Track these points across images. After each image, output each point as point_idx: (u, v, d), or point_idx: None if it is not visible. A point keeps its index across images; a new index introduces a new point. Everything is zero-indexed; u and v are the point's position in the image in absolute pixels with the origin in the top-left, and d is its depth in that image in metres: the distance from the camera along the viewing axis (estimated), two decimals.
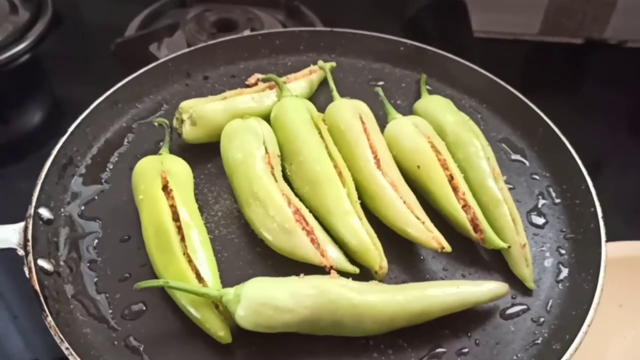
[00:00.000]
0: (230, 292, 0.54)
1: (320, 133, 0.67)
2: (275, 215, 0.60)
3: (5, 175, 0.89)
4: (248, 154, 0.64)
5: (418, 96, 0.80)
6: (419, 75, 0.83)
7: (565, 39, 1.22)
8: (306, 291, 0.53)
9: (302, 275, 0.56)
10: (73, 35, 1.10)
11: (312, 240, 0.59)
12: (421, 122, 0.70)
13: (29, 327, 0.68)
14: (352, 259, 0.59)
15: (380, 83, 0.83)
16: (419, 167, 0.65)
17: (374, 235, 0.60)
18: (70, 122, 0.92)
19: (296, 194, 0.64)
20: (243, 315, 0.53)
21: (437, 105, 0.73)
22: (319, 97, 0.80)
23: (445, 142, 0.68)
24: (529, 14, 1.22)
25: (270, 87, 0.75)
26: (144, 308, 0.58)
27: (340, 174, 0.63)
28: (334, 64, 0.82)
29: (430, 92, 0.79)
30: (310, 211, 0.62)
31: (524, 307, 0.60)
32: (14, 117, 0.97)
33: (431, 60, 0.83)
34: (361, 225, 0.60)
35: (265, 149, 0.65)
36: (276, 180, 0.63)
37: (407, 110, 0.78)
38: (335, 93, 0.74)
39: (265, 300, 0.53)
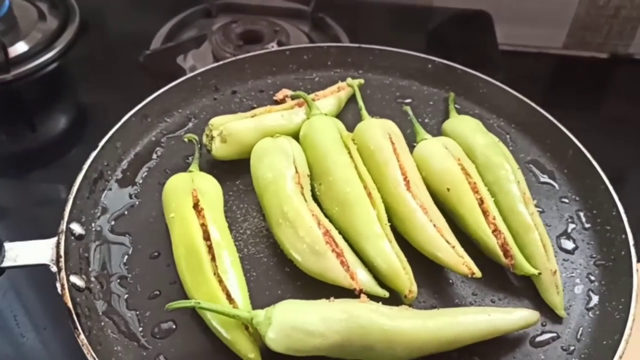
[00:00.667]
0: (260, 315, 0.54)
1: (349, 153, 0.67)
2: (305, 237, 0.60)
3: (31, 179, 0.89)
4: (278, 173, 0.64)
5: (446, 115, 0.80)
6: (447, 94, 0.82)
7: (590, 54, 1.21)
8: (337, 315, 0.53)
9: (332, 298, 0.56)
10: (98, 43, 1.10)
11: (342, 263, 0.59)
12: (451, 143, 0.69)
13: (56, 338, 0.69)
14: (381, 282, 0.59)
15: (408, 100, 0.83)
16: (448, 189, 0.65)
17: (404, 259, 0.60)
18: (93, 131, 0.94)
19: (325, 214, 0.64)
20: (274, 338, 0.53)
21: (466, 126, 0.73)
22: (347, 115, 0.80)
23: (475, 165, 0.68)
24: (554, 27, 1.21)
25: (299, 105, 0.76)
26: (174, 327, 0.59)
27: (370, 195, 0.63)
28: (362, 80, 0.82)
29: (458, 111, 0.79)
30: (340, 232, 0.62)
31: (554, 334, 0.59)
32: (41, 124, 0.98)
33: (460, 78, 0.83)
34: (391, 248, 0.60)
35: (295, 168, 0.65)
36: (306, 201, 0.63)
37: (435, 129, 0.78)
38: (364, 112, 0.74)
39: (296, 324, 0.53)
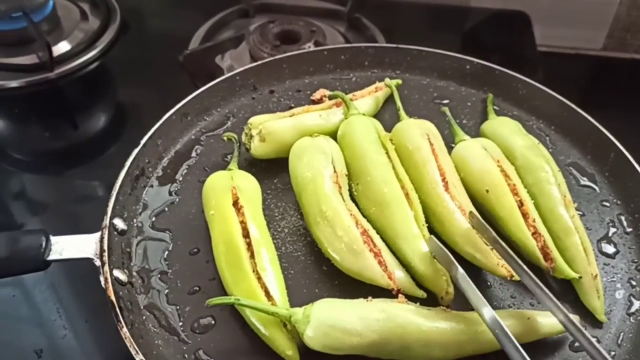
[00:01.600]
0: (299, 312, 0.55)
1: (387, 153, 0.67)
2: (343, 236, 0.60)
3: (72, 175, 0.91)
4: (317, 172, 0.65)
5: (484, 116, 0.79)
6: (485, 95, 0.82)
7: (630, 55, 1.19)
8: (375, 315, 0.54)
9: (370, 298, 0.56)
10: (138, 42, 1.12)
11: (380, 263, 0.59)
12: (490, 144, 0.69)
13: (96, 331, 0.70)
14: (419, 283, 0.59)
15: (446, 101, 0.82)
16: (487, 191, 0.64)
17: None
18: (133, 128, 0.96)
19: (362, 214, 0.64)
20: (312, 336, 0.53)
21: (506, 128, 0.73)
22: (385, 115, 0.80)
23: (514, 166, 0.67)
24: (594, 28, 1.19)
25: (337, 105, 0.76)
26: (213, 322, 0.59)
27: (407, 195, 0.63)
28: (399, 81, 0.82)
29: (496, 112, 0.79)
30: (377, 232, 0.62)
31: (594, 339, 0.58)
32: (82, 121, 1.00)
33: (498, 79, 0.83)
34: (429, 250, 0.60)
35: (334, 167, 0.66)
36: (344, 200, 0.64)
37: (473, 130, 0.78)
38: (402, 112, 0.74)
39: (334, 322, 0.53)
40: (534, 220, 0.62)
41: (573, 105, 0.77)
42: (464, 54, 0.87)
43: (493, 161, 0.66)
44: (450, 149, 0.71)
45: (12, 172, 0.90)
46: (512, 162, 0.68)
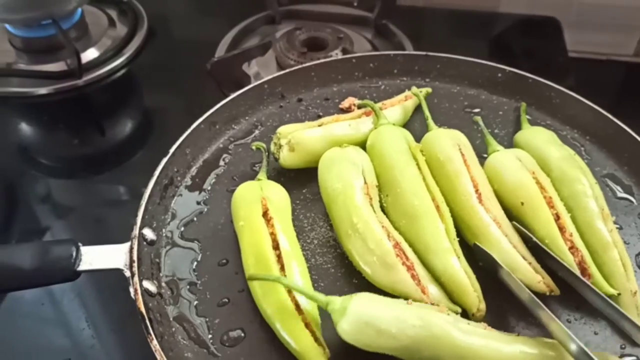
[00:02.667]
0: (337, 302, 0.54)
1: (417, 164, 0.66)
2: (375, 249, 0.59)
3: (99, 181, 0.92)
4: (347, 183, 0.64)
5: (516, 125, 0.78)
6: (517, 104, 0.80)
7: None
8: (412, 320, 0.52)
9: (410, 301, 0.55)
10: (164, 49, 1.12)
11: (413, 276, 0.58)
12: (525, 155, 0.68)
13: (125, 340, 0.70)
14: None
15: (476, 110, 0.81)
16: (522, 204, 0.63)
17: (473, 276, 0.59)
18: (159, 135, 0.96)
19: (392, 226, 0.63)
20: (345, 328, 0.53)
21: (540, 138, 0.71)
22: (414, 124, 0.79)
23: (550, 178, 0.66)
24: (625, 34, 1.17)
25: (367, 114, 0.75)
26: (243, 335, 0.59)
27: (438, 208, 0.62)
28: (429, 89, 0.81)
29: (529, 122, 0.77)
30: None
31: (634, 358, 0.57)
32: (110, 128, 1.00)
33: (531, 87, 0.81)
34: (460, 264, 0.59)
35: (364, 178, 0.65)
36: (375, 212, 0.62)
37: (505, 140, 0.76)
38: (430, 121, 0.73)
39: (370, 319, 0.53)
40: (571, 235, 0.60)
41: (609, 115, 0.75)
42: (492, 60, 0.85)
43: (528, 173, 0.65)
44: (481, 159, 0.70)
45: (41, 177, 0.91)
46: (547, 173, 0.66)
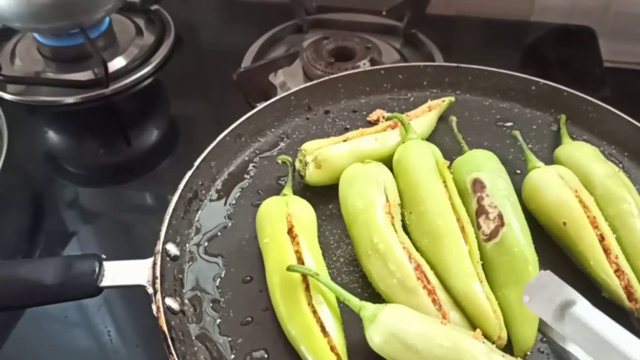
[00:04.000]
0: (369, 309, 0.54)
1: (444, 182, 0.64)
2: (395, 271, 0.57)
3: (124, 190, 0.92)
4: (368, 202, 0.62)
5: (550, 140, 0.75)
6: (552, 117, 0.78)
7: None
8: (441, 340, 0.50)
9: (445, 321, 0.53)
10: (191, 58, 1.12)
11: (434, 301, 0.56)
12: (567, 173, 0.65)
13: (147, 356, 0.69)
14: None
15: (509, 124, 0.79)
16: (565, 223, 0.60)
17: (495, 302, 0.56)
18: (185, 144, 0.96)
19: (414, 245, 0.61)
20: (372, 336, 0.53)
21: (582, 153, 0.68)
22: (445, 138, 0.76)
23: (593, 196, 0.63)
24: None
25: (392, 127, 0.73)
26: (266, 356, 0.57)
27: (462, 229, 0.60)
28: (452, 98, 0.79)
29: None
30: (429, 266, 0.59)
31: None
32: (135, 137, 1.00)
33: (566, 101, 0.78)
34: (482, 289, 0.56)
35: (386, 196, 0.62)
36: (396, 231, 0.60)
37: (539, 156, 0.72)
38: (464, 146, 0.71)
39: (397, 331, 0.51)
40: (616, 257, 0.57)
41: None
42: (524, 70, 0.83)
43: (571, 191, 0.62)
44: (513, 175, 0.67)
45: (68, 185, 0.91)
46: (590, 191, 0.63)
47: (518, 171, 0.69)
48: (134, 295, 0.69)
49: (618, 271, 0.57)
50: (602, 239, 0.58)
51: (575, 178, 0.64)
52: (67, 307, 0.71)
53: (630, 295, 0.56)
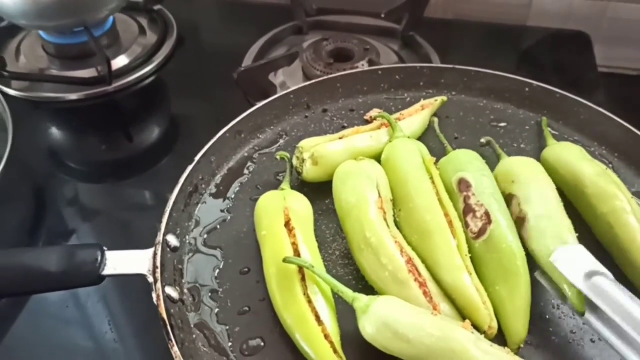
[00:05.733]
0: (362, 300, 0.55)
1: (432, 178, 0.66)
2: (387, 264, 0.59)
3: (125, 186, 0.93)
4: (361, 197, 0.63)
5: (544, 141, 0.77)
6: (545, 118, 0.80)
7: None
8: (431, 330, 0.52)
9: (436, 312, 0.55)
10: (193, 57, 1.14)
11: (425, 293, 0.58)
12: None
13: (146, 345, 0.71)
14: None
15: (503, 124, 0.80)
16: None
17: (484, 293, 0.58)
18: (186, 142, 0.97)
19: (405, 241, 0.63)
20: (365, 326, 0.54)
21: (571, 154, 0.70)
22: (437, 136, 0.78)
23: (585, 195, 0.65)
24: None
25: (386, 125, 0.75)
26: (263, 344, 0.59)
27: (450, 223, 0.62)
28: (444, 98, 0.81)
29: (556, 137, 0.76)
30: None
31: None
32: (137, 134, 1.02)
33: (558, 103, 0.80)
34: (471, 282, 0.58)
35: (379, 192, 0.64)
36: (389, 227, 0.62)
37: (532, 155, 0.75)
38: (448, 147, 0.73)
39: (389, 321, 0.53)
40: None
41: (638, 132, 0.74)
42: (521, 74, 0.85)
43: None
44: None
45: (69, 181, 0.93)
46: (581, 190, 0.65)
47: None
48: (135, 286, 0.71)
49: None
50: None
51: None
52: (70, 296, 0.73)
53: None
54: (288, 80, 1.01)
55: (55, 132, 1.01)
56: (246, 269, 0.65)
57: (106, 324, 0.71)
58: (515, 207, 0.64)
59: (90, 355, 0.69)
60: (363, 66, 0.98)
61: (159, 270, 0.61)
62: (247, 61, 1.06)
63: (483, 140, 0.74)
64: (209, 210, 0.71)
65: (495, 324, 0.57)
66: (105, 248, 0.62)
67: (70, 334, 0.71)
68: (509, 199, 0.65)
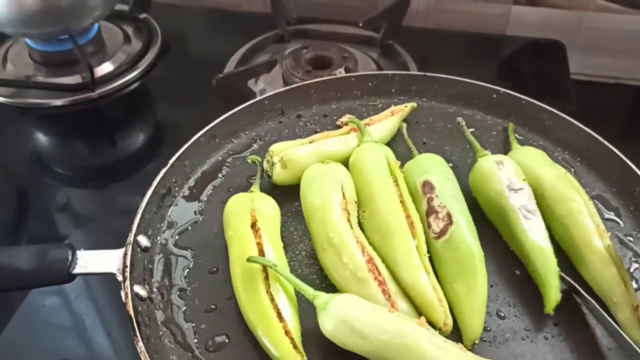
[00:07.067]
0: (322, 298, 0.57)
1: (396, 180, 0.68)
2: (348, 263, 0.61)
3: (108, 191, 0.95)
4: (326, 199, 0.66)
5: (509, 145, 0.79)
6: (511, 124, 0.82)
7: None
8: (386, 326, 0.54)
9: (394, 310, 0.57)
10: (177, 64, 1.16)
11: (384, 291, 0.60)
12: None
13: (119, 344, 0.72)
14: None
15: (471, 130, 0.82)
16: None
17: (440, 292, 0.60)
18: (168, 147, 0.99)
19: (367, 241, 0.65)
20: (323, 323, 0.56)
21: (532, 158, 0.72)
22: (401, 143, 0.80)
23: (544, 197, 0.67)
24: (634, 58, 1.18)
25: (354, 130, 0.77)
26: (227, 341, 0.61)
27: (412, 224, 0.64)
28: (414, 104, 0.84)
29: (522, 142, 0.78)
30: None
31: None
32: (121, 139, 1.04)
33: (524, 109, 0.82)
34: (428, 280, 0.60)
35: (343, 194, 0.66)
36: (352, 227, 0.64)
37: None
38: (414, 151, 0.76)
39: (346, 318, 0.55)
40: None
41: (600, 138, 0.76)
42: (499, 82, 0.87)
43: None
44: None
45: (52, 185, 0.94)
46: (541, 193, 0.67)
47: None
48: (110, 286, 0.72)
49: None
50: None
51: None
52: (46, 295, 0.75)
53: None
54: (268, 87, 1.04)
55: (40, 137, 1.03)
56: (215, 269, 0.67)
57: (81, 322, 0.73)
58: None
59: (64, 354, 0.70)
60: (340, 73, 1.01)
61: (128, 269, 0.63)
62: (229, 68, 1.08)
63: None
64: (181, 212, 0.73)
65: (450, 321, 0.59)
66: (75, 248, 0.64)
67: (45, 333, 0.73)
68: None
